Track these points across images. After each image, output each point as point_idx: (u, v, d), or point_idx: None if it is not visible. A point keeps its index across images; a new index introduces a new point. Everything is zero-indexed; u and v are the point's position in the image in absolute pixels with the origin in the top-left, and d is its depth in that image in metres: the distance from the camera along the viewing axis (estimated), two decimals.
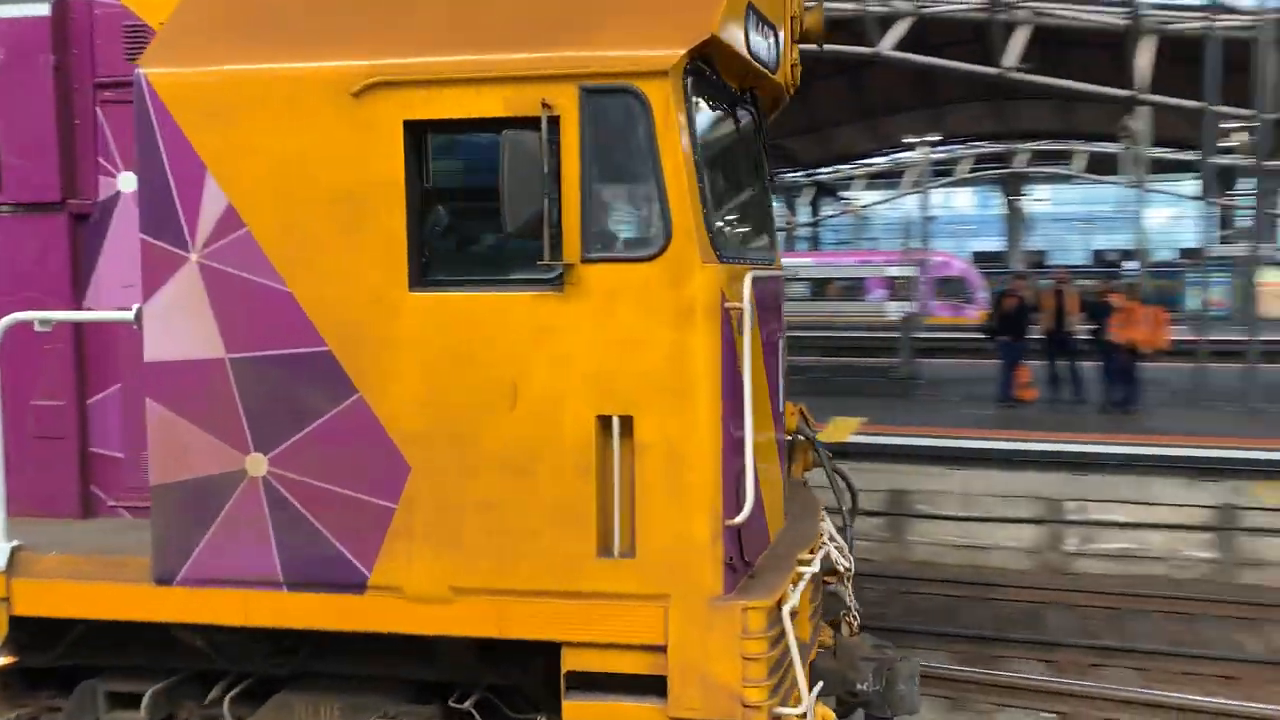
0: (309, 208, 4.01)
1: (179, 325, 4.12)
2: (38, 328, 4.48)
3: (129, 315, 4.22)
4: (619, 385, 3.87)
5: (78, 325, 4.81)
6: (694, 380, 3.84)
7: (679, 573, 3.88)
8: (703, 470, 3.86)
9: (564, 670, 3.99)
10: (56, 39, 4.73)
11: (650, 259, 3.84)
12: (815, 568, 4.34)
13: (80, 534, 4.64)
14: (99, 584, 4.25)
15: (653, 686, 3.96)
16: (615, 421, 3.87)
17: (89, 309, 4.83)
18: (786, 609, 3.95)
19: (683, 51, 3.79)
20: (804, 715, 3.90)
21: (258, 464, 4.10)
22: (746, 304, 3.87)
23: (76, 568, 4.28)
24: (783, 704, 3.91)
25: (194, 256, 4.09)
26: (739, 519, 3.91)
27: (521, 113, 3.84)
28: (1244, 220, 26.95)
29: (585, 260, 3.85)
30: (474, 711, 4.24)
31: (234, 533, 4.12)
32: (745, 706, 3.87)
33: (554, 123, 3.80)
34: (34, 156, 4.78)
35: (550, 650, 4.07)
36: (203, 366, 4.12)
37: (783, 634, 3.93)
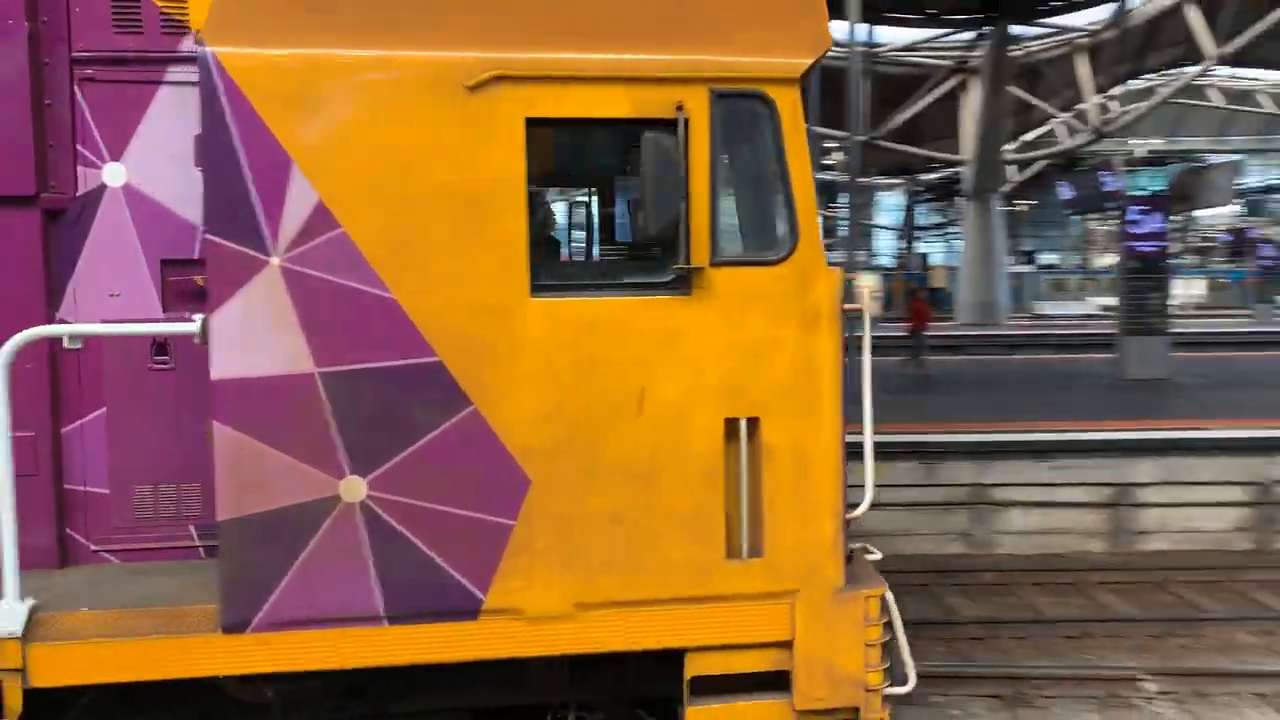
0: (415, 206, 3.70)
1: (256, 338, 3.64)
2: (67, 344, 3.76)
3: (193, 327, 3.67)
4: (747, 388, 3.91)
5: (51, 341, 4.07)
6: (820, 381, 3.96)
7: (806, 568, 3.98)
8: (828, 468, 3.99)
9: (687, 676, 3.96)
10: (29, 3, 3.98)
11: (778, 263, 3.91)
12: (878, 554, 4.58)
13: (71, 587, 3.94)
14: (152, 640, 3.65)
15: (773, 683, 4.04)
16: (743, 424, 3.91)
17: (63, 321, 4.11)
18: (890, 594, 4.17)
19: (810, 61, 3.90)
20: (911, 691, 4.14)
21: (355, 488, 3.71)
22: (867, 306, 4.05)
23: (120, 623, 3.65)
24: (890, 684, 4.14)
25: (276, 260, 3.64)
26: (858, 513, 4.08)
27: (649, 114, 3.78)
28: (843, 230, 30.74)
29: (714, 264, 3.85)
30: None
31: (324, 567, 3.70)
32: (868, 691, 4.05)
33: (684, 125, 3.77)
34: (10, 142, 3.99)
35: (636, 662, 4.04)
36: (286, 383, 3.66)
37: (890, 619, 4.15)
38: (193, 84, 4.08)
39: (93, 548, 4.19)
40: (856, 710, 4.06)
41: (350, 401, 3.70)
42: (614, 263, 4.44)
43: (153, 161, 4.15)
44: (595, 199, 4.59)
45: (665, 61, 3.79)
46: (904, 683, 4.13)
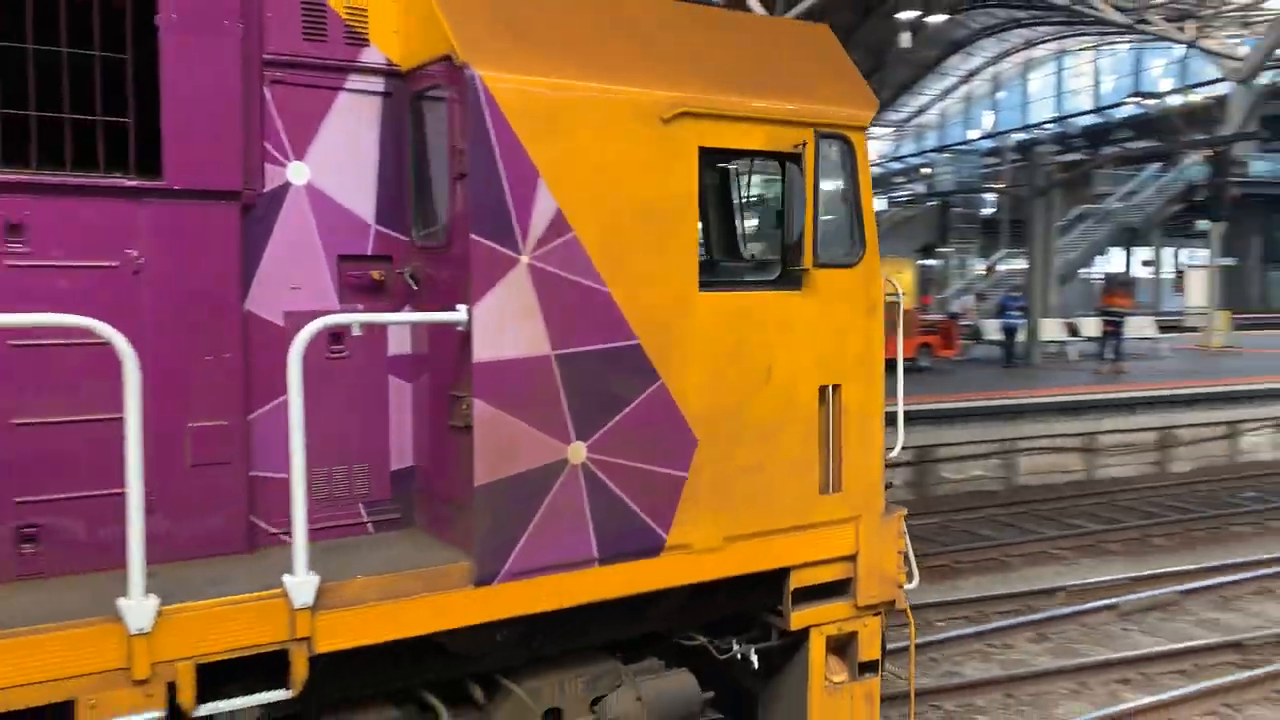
0: (622, 215, 4.44)
1: (510, 325, 4.18)
2: (356, 331, 3.95)
3: (460, 316, 4.09)
4: (832, 362, 5.10)
5: (246, 330, 4.20)
6: (875, 355, 5.25)
7: (866, 498, 5.26)
8: (878, 421, 5.30)
9: (791, 588, 5.07)
10: (245, 6, 4.08)
11: (853, 265, 5.14)
12: (895, 482, 5.90)
13: (261, 571, 4.12)
14: (419, 599, 4.04)
15: (837, 590, 5.26)
16: (830, 390, 5.09)
17: (250, 312, 4.24)
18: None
19: (871, 114, 5.17)
20: (916, 584, 5.58)
21: (578, 452, 4.38)
22: (900, 297, 5.39)
23: (395, 586, 4.00)
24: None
25: (525, 258, 4.20)
26: (894, 455, 5.42)
27: (778, 148, 4.85)
28: None
29: (816, 266, 4.99)
30: (709, 646, 5.04)
31: (554, 522, 4.33)
32: (899, 587, 5.43)
33: (801, 158, 4.88)
34: (212, 137, 4.04)
35: (733, 589, 5.08)
36: (531, 364, 4.24)
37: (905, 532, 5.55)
38: (368, 92, 4.47)
39: (272, 531, 4.35)
40: (892, 602, 5.43)
41: (575, 378, 4.36)
42: (749, 264, 5.37)
43: (331, 162, 4.41)
44: (734, 211, 5.49)
45: (789, 109, 4.88)
46: (911, 579, 5.56)
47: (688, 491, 4.67)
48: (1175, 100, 49.92)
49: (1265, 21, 43.11)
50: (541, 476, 4.30)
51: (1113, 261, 52.79)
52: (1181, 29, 42.87)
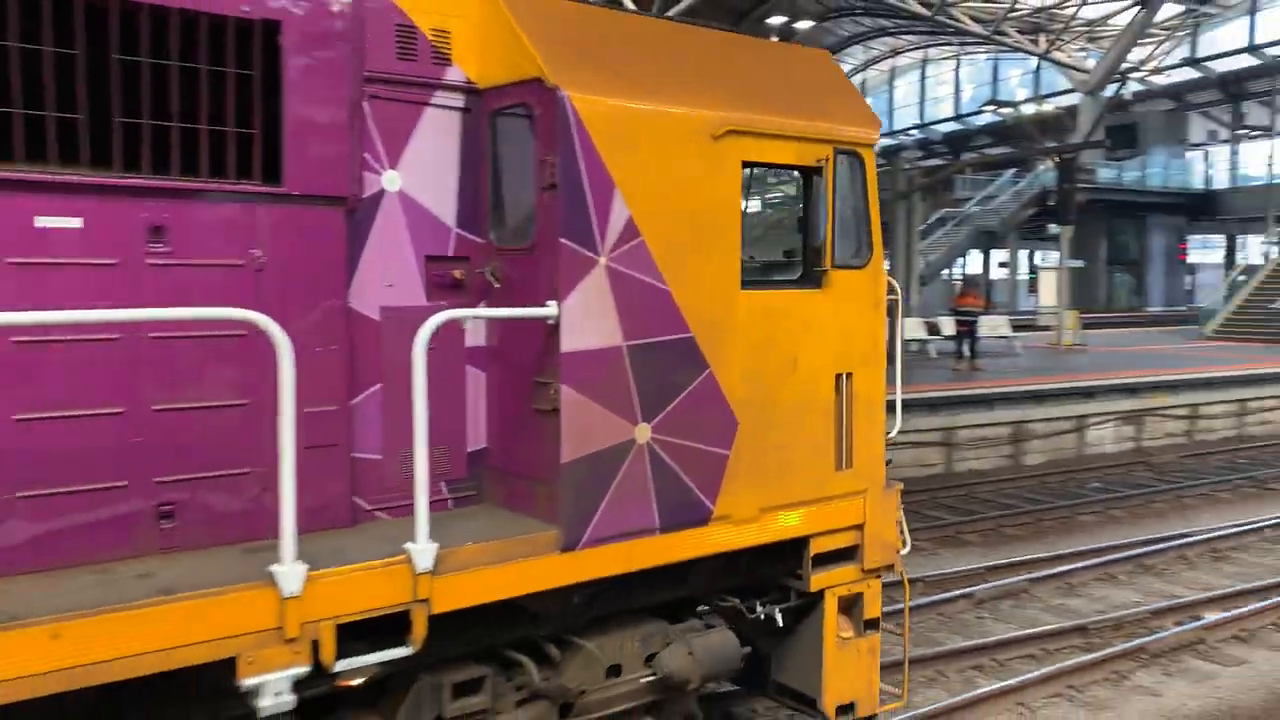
0: (680, 221, 4.99)
1: (590, 319, 4.69)
2: (468, 325, 4.37)
3: (551, 311, 4.57)
4: (846, 353, 5.74)
5: (349, 324, 4.60)
6: (879, 347, 5.92)
7: (871, 474, 5.93)
8: (881, 405, 5.97)
9: (811, 553, 5.70)
10: (351, 27, 4.47)
11: (863, 267, 5.79)
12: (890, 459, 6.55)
13: (368, 542, 4.54)
14: (518, 563, 4.52)
15: (846, 556, 5.92)
16: (844, 378, 5.73)
17: (350, 307, 4.64)
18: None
19: (878, 134, 5.83)
20: (909, 550, 6.27)
21: (644, 432, 4.91)
22: (900, 295, 6.06)
23: (497, 553, 4.47)
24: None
25: (603, 260, 4.72)
26: (892, 435, 6.10)
27: (804, 163, 5.47)
28: None
29: (834, 267, 5.62)
30: (741, 609, 5.63)
31: (624, 494, 4.86)
32: (897, 552, 6.11)
33: (823, 171, 5.51)
34: (324, 147, 4.42)
35: (756, 557, 5.68)
36: (607, 354, 4.76)
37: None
38: (449, 108, 4.92)
39: (368, 507, 4.76)
40: (891, 566, 6.11)
41: (642, 367, 4.89)
42: (774, 265, 5.93)
43: (418, 171, 4.84)
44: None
45: (815, 128, 5.49)
46: (905, 546, 6.25)
47: (730, 468, 5.25)
48: (1029, 109, 52.88)
49: (1111, 36, 46.22)
50: (614, 454, 4.82)
51: (971, 263, 55.67)
52: (1035, 41, 45.86)
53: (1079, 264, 42.21)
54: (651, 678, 5.22)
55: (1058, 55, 45.89)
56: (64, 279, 3.92)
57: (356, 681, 4.33)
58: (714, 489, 5.19)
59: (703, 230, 5.09)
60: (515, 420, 4.93)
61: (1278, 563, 12.22)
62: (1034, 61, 54.25)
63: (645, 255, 4.87)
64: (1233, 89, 54.78)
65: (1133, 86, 52.35)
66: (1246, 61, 51.65)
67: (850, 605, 6.01)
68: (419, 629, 4.24)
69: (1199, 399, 21.05)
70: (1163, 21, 48.81)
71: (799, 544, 5.69)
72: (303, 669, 3.97)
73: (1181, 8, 49.73)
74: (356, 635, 4.16)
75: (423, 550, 4.21)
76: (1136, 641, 9.24)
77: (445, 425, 4.96)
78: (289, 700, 3.95)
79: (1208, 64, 54.59)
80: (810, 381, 5.58)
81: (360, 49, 4.59)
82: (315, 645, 3.99)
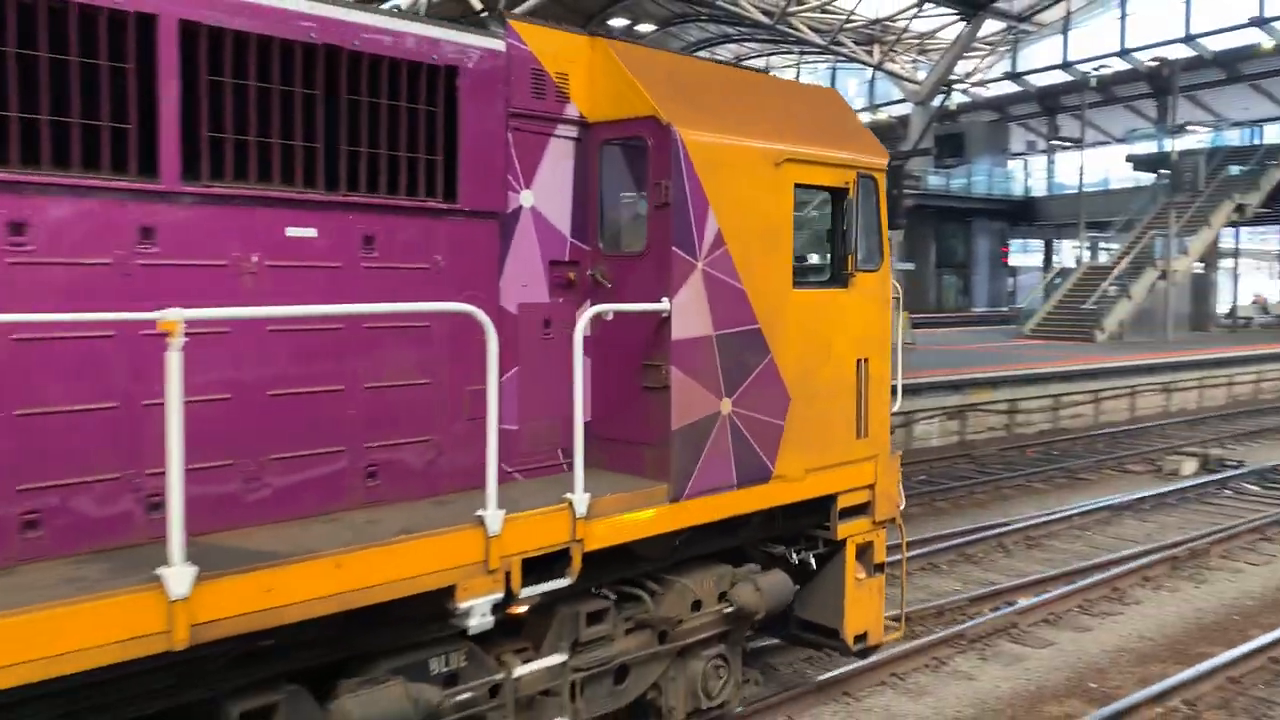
0: (751, 233, 6.10)
1: (691, 313, 5.76)
2: (608, 317, 5.36)
3: (664, 306, 5.61)
4: (864, 341, 6.96)
5: (499, 318, 5.53)
6: (887, 336, 7.16)
7: (881, 441, 7.16)
8: (888, 385, 7.20)
9: (839, 508, 6.89)
10: (506, 73, 5.41)
11: (876, 270, 7.02)
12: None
13: (521, 496, 5.49)
14: (643, 511, 5.56)
15: (861, 510, 7.13)
16: (863, 362, 6.95)
17: (501, 306, 5.59)
18: None
19: (887, 160, 7.06)
20: (904, 505, 7.54)
21: (726, 405, 6.01)
22: (901, 295, 7.32)
23: (627, 503, 5.49)
24: None
25: (700, 264, 5.79)
26: (895, 408, 7.35)
27: (835, 184, 6.66)
28: None
29: (857, 270, 6.83)
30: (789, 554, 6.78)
31: (713, 456, 5.94)
32: (898, 506, 7.38)
33: (849, 191, 6.72)
34: (486, 170, 5.35)
35: (789, 513, 6.84)
36: (702, 341, 5.84)
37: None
38: (567, 138, 5.92)
39: (508, 470, 5.70)
40: (894, 519, 7.36)
41: (725, 352, 5.99)
42: (811, 268, 7.06)
43: (545, 190, 5.81)
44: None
45: (844, 157, 6.70)
46: (902, 502, 7.52)
47: (785, 436, 6.40)
48: (865, 117, 55.82)
49: (939, 49, 48.77)
50: (707, 424, 5.90)
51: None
52: (870, 52, 47.81)
53: (909, 266, 45.01)
54: (728, 609, 6.32)
55: (891, 66, 47.84)
56: (304, 278, 4.78)
57: (523, 610, 5.29)
58: (773, 453, 6.33)
59: (766, 240, 6.22)
60: (623, 397, 5.95)
61: (1085, 548, 12.87)
62: (869, 72, 56.27)
63: (728, 261, 5.97)
64: (1048, 102, 58.28)
65: (959, 98, 55.44)
66: (1060, 77, 55.31)
67: (863, 551, 7.24)
68: (576, 564, 5.24)
69: (1017, 394, 22.34)
70: (986, 37, 51.75)
71: (825, 500, 6.88)
72: (498, 595, 4.92)
73: (1003, 24, 52.47)
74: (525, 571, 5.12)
75: (580, 499, 5.21)
76: (955, 628, 9.39)
77: (562, 402, 5.95)
78: (490, 621, 4.90)
79: (1026, 78, 58.31)
80: (840, 364, 6.78)
81: (508, 89, 5.55)
82: (507, 576, 4.95)
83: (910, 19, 45.28)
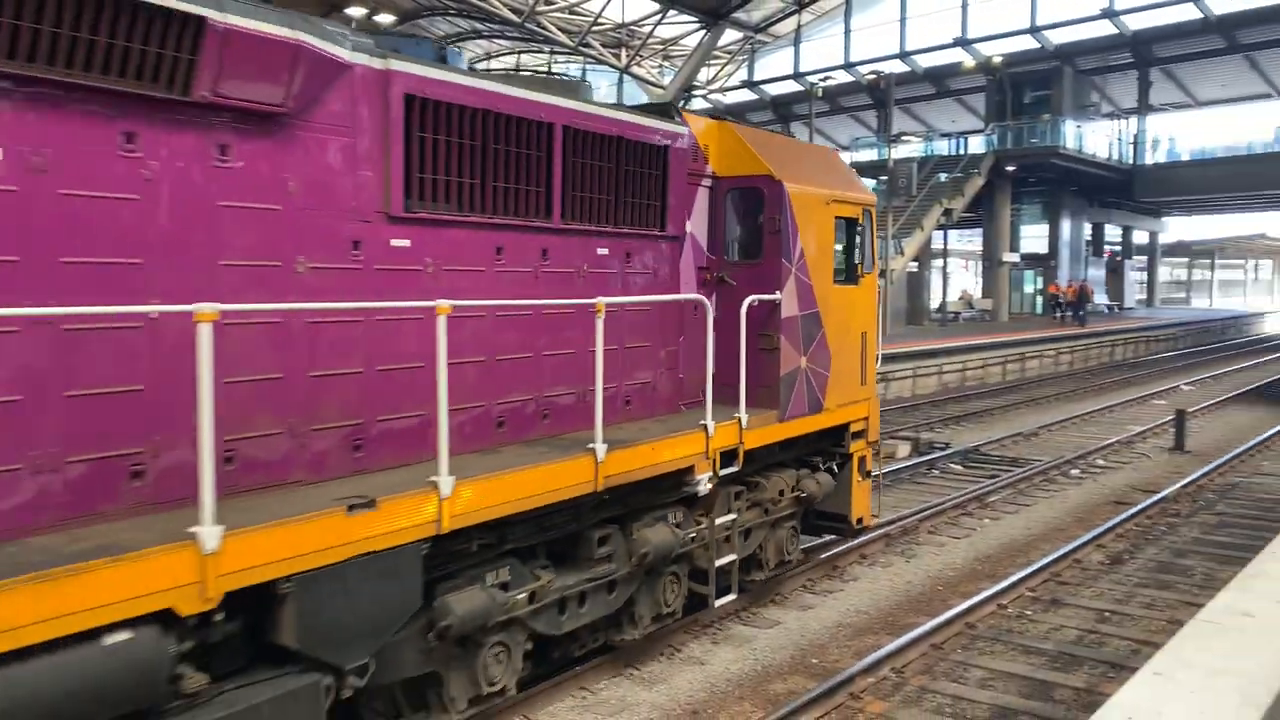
0: (816, 249, 9.41)
1: (789, 301, 9.01)
2: (754, 304, 8.49)
3: (778, 296, 8.81)
4: (864, 321, 10.42)
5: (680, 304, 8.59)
6: (875, 318, 10.64)
7: (871, 387, 10.64)
8: (874, 350, 10.69)
9: (851, 431, 10.31)
10: (686, 146, 8.48)
11: (871, 272, 10.48)
12: None
13: (693, 419, 8.58)
14: (773, 425, 8.78)
15: (860, 435, 10.59)
16: (864, 334, 10.40)
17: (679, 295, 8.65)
18: None
19: (875, 200, 10.53)
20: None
21: (804, 362, 9.30)
22: (883, 289, 10.81)
23: (763, 420, 8.68)
24: None
25: (793, 269, 9.05)
26: (877, 365, 10.84)
27: (852, 215, 10.07)
28: None
29: (862, 274, 10.27)
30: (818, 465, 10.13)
31: (797, 394, 9.23)
32: (879, 433, 10.91)
33: (859, 220, 10.15)
34: (679, 209, 8.40)
35: (815, 438, 10.21)
36: (793, 319, 9.11)
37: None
38: (706, 187, 9.05)
39: (681, 405, 8.78)
40: (878, 441, 10.86)
41: (802, 325, 9.28)
42: (838, 270, 10.39)
43: (697, 221, 8.92)
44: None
45: (855, 197, 10.12)
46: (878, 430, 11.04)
47: (829, 382, 9.76)
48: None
49: (682, 56, 49.97)
50: (794, 373, 9.18)
51: None
52: (618, 56, 48.39)
53: None
54: (800, 495, 9.63)
55: (638, 70, 48.70)
56: (604, 279, 7.72)
57: (705, 489, 8.38)
58: (824, 393, 9.69)
59: (822, 253, 9.56)
60: (748, 356, 9.06)
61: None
62: (618, 75, 55.70)
63: (805, 267, 9.27)
64: (782, 110, 61.25)
65: (701, 104, 55.58)
66: (793, 87, 57.80)
67: (860, 462, 10.69)
68: (740, 458, 8.41)
69: None
70: (726, 46, 53.08)
71: (842, 427, 10.30)
72: (710, 474, 8.03)
73: (741, 35, 53.56)
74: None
75: (744, 416, 8.39)
76: (691, 616, 9.21)
77: (701, 359, 9.07)
78: (707, 487, 8.01)
79: (762, 87, 61.13)
80: (854, 335, 10.21)
81: (686, 157, 8.64)
82: (712, 463, 8.07)
83: (655, 25, 46.03)
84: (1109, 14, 47.42)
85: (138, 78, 4.66)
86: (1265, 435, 19.86)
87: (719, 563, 8.48)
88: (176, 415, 4.93)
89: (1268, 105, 55.61)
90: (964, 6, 50.79)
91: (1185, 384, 30.41)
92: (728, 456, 8.28)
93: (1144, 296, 66.50)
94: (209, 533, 4.43)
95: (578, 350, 7.53)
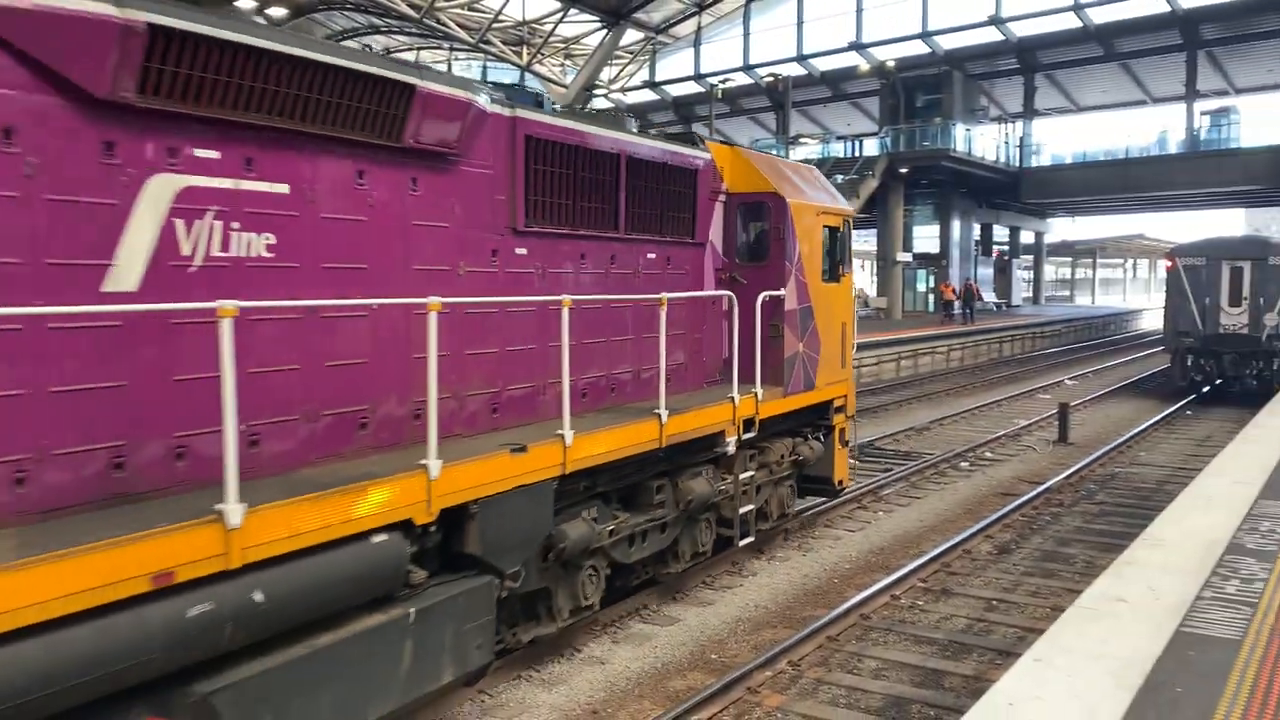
0: (810, 252, 11.29)
1: (791, 296, 10.88)
2: (766, 298, 10.30)
3: (783, 293, 10.66)
4: (845, 314, 12.35)
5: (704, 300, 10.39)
6: (853, 311, 12.58)
7: (849, 369, 12.59)
8: (851, 339, 12.63)
9: (834, 407, 12.24)
10: (708, 169, 10.29)
11: (849, 273, 12.42)
12: None
13: (721, 393, 10.39)
14: (775, 400, 10.63)
15: (840, 409, 12.52)
16: (845, 325, 12.33)
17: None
18: None
19: (854, 211, 12.46)
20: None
21: (800, 347, 11.18)
22: (858, 287, 12.74)
23: (773, 395, 10.54)
24: None
25: (793, 270, 10.92)
26: (853, 351, 12.78)
27: (835, 225, 12.00)
28: None
29: (842, 274, 12.20)
30: (805, 435, 12.04)
31: (796, 373, 11.11)
32: (855, 409, 12.87)
33: (840, 229, 12.08)
34: (705, 224, 10.21)
35: (804, 412, 12.13)
36: (795, 311, 10.98)
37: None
38: (721, 201, 10.89)
39: (705, 382, 10.59)
40: (853, 416, 12.81)
41: (800, 317, 11.15)
42: (824, 270, 12.25)
43: (715, 231, 10.73)
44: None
45: (838, 209, 12.05)
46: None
47: (819, 364, 11.66)
48: None
49: (584, 55, 49.97)
50: (794, 356, 11.06)
51: None
52: (519, 53, 48.39)
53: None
54: (797, 458, 11.52)
55: (539, 68, 48.70)
56: (652, 279, 9.50)
57: (732, 450, 10.16)
58: (815, 374, 11.58)
59: (814, 256, 11.45)
60: (762, 343, 10.92)
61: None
62: (519, 72, 54.40)
63: (801, 267, 11.15)
64: (683, 111, 62.02)
65: (603, 103, 55.46)
66: (694, 88, 59.17)
67: (840, 433, 12.61)
68: (757, 425, 10.25)
69: None
70: (627, 46, 53.34)
71: (828, 403, 12.20)
72: (736, 438, 9.86)
73: (642, 35, 53.65)
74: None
75: (759, 391, 10.23)
76: (590, 615, 9.00)
77: (720, 346, 10.88)
78: (733, 448, 9.84)
79: (664, 87, 61.83)
80: (836, 325, 12.12)
81: (709, 177, 10.45)
82: (737, 428, 9.90)
83: (556, 24, 45.93)
84: (996, 21, 49.15)
85: (368, 130, 6.32)
86: (1142, 427, 20.98)
87: (740, 511, 10.32)
88: (389, 383, 6.61)
89: (1144, 111, 58.54)
90: (859, 11, 52.04)
91: (1069, 379, 31.27)
92: (746, 425, 10.10)
93: (1030, 294, 67.97)
94: (434, 465, 6.11)
95: (635, 335, 9.30)
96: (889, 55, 50.87)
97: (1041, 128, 57.64)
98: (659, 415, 8.51)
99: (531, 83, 54.28)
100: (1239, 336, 24.74)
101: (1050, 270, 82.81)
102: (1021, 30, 50.22)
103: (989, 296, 56.62)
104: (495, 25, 45.49)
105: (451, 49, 55.97)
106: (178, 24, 5.09)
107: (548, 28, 47.46)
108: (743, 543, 10.46)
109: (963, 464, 17.51)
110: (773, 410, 10.62)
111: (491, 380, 7.60)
